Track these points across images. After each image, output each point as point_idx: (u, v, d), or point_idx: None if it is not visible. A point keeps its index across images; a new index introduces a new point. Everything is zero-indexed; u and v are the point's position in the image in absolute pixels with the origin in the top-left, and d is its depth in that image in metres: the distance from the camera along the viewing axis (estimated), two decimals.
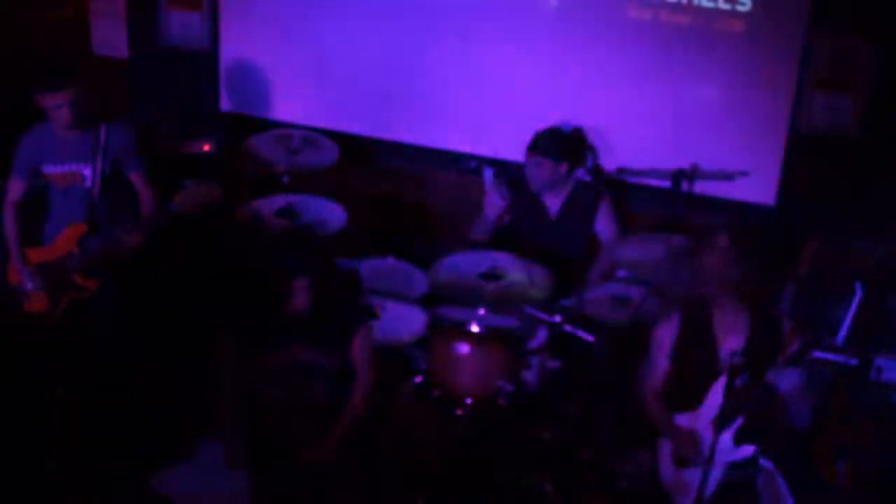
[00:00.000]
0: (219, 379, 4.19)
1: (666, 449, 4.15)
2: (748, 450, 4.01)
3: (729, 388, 3.89)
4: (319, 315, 4.12)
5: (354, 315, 4.29)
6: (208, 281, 5.42)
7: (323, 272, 4.13)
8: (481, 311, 4.70)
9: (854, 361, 4.93)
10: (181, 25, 6.33)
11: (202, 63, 6.34)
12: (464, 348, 4.62)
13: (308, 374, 4.14)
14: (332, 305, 4.16)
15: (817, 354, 5.28)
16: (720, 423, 3.92)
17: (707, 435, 3.97)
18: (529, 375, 4.71)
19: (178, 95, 6.42)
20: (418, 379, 4.73)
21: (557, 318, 4.74)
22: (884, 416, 4.64)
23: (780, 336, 3.97)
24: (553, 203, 5.27)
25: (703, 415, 4.01)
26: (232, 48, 6.27)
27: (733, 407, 3.87)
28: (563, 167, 5.18)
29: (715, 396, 3.96)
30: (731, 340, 3.99)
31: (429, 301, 4.97)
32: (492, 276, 4.79)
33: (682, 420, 4.07)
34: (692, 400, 4.04)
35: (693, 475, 4.03)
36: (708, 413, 3.99)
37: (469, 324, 4.63)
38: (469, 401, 4.61)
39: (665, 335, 4.09)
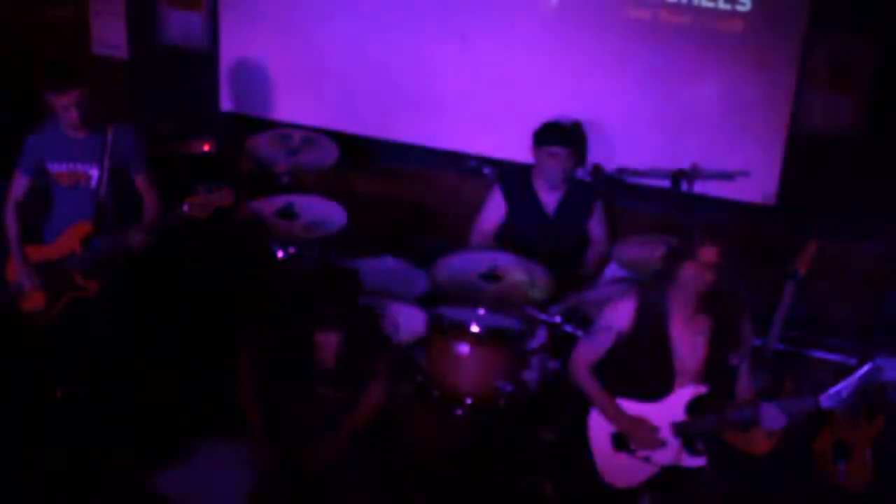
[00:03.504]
0: (238, 382, 4.12)
1: (599, 425, 4.05)
2: (699, 461, 3.96)
3: (697, 402, 3.88)
4: (345, 364, 4.03)
5: (380, 360, 4.14)
6: (225, 287, 5.39)
7: (358, 329, 4.02)
8: (481, 311, 4.71)
9: (854, 361, 4.93)
10: (181, 25, 6.33)
11: (202, 63, 6.34)
12: (464, 348, 4.62)
13: (325, 402, 4.08)
14: (359, 355, 4.06)
15: (818, 355, 5.31)
16: (682, 432, 3.91)
17: (663, 433, 3.93)
18: (529, 375, 4.71)
19: (178, 95, 6.42)
20: (418, 379, 4.73)
21: (557, 318, 4.75)
22: (884, 415, 4.64)
23: (738, 335, 3.92)
24: (550, 201, 5.27)
25: (661, 412, 3.94)
26: (232, 48, 6.27)
27: (702, 425, 3.86)
28: (573, 158, 5.20)
29: (678, 401, 3.91)
30: (687, 338, 3.90)
31: (429, 301, 4.97)
32: (492, 276, 4.80)
33: (632, 407, 3.97)
34: (645, 390, 3.94)
35: (628, 460, 3.99)
36: (667, 413, 3.93)
37: (469, 324, 4.63)
38: (469, 401, 4.61)
39: (616, 317, 3.96)
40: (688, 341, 3.88)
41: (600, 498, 4.15)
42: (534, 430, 4.71)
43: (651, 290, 3.91)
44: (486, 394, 4.60)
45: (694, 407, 3.89)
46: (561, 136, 5.17)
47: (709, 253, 3.73)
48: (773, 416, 3.77)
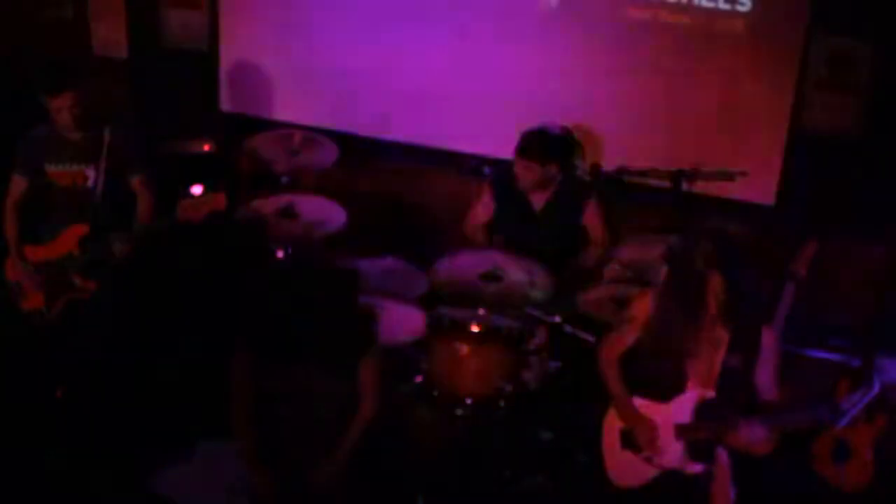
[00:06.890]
0: (231, 391, 4.06)
1: (612, 420, 4.08)
2: (697, 467, 3.94)
3: (704, 406, 3.87)
4: (329, 339, 3.98)
5: (363, 342, 4.09)
6: (225, 287, 5.38)
7: (333, 311, 3.98)
8: (481, 311, 4.71)
9: (854, 361, 4.94)
10: (181, 25, 6.33)
11: (202, 63, 6.34)
12: (464, 348, 4.61)
13: (317, 397, 4.02)
14: (341, 332, 4.01)
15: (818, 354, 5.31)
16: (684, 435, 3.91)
17: (666, 435, 3.91)
18: (529, 375, 4.71)
19: (178, 95, 6.42)
20: (418, 379, 4.73)
21: (557, 318, 4.75)
22: (885, 416, 4.64)
23: (758, 343, 3.91)
24: (538, 200, 5.25)
25: (669, 413, 3.93)
26: (232, 48, 6.27)
27: (701, 430, 3.86)
28: (552, 168, 5.15)
29: (685, 404, 3.90)
30: (704, 339, 3.85)
31: (429, 301, 4.97)
32: (492, 276, 4.79)
33: (643, 405, 3.98)
34: (658, 388, 3.95)
35: (632, 459, 4.00)
36: (673, 414, 3.92)
37: (469, 324, 4.63)
38: (469, 401, 4.61)
39: (638, 308, 3.99)
40: (704, 342, 3.88)
41: (600, 498, 4.16)
42: (534, 430, 4.72)
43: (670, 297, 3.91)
44: (486, 394, 4.60)
45: (701, 411, 3.88)
46: (532, 150, 5.09)
47: (714, 281, 3.75)
48: (754, 433, 3.79)
